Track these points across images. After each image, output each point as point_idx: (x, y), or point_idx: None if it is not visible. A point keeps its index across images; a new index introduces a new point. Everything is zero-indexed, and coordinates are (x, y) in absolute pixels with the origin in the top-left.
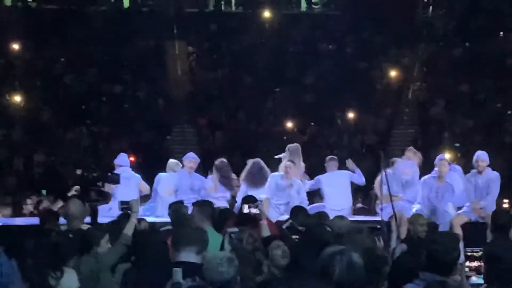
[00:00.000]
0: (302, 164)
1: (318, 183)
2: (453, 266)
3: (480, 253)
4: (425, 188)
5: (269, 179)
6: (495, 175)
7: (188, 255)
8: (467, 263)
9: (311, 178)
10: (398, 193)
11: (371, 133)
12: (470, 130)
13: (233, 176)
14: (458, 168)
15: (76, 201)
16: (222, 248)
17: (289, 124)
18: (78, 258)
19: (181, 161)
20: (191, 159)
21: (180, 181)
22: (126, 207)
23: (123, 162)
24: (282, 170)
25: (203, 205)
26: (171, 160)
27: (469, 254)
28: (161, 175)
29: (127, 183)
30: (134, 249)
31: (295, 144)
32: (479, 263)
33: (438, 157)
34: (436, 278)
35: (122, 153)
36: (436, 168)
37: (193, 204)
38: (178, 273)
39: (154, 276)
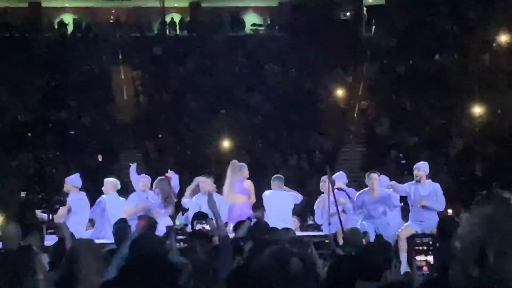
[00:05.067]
0: (248, 183)
1: (264, 199)
2: (383, 272)
3: (429, 246)
4: (358, 203)
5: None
6: (437, 186)
7: None
8: (418, 257)
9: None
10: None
11: (318, 153)
12: (415, 146)
13: (173, 192)
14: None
15: (11, 224)
16: None
17: (236, 145)
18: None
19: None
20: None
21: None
22: (54, 231)
23: (76, 182)
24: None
25: (148, 219)
26: (112, 179)
27: (420, 248)
28: (106, 197)
29: (79, 208)
30: None
31: (233, 161)
32: (429, 257)
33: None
34: (370, 285)
35: (76, 174)
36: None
37: (138, 217)
38: None
39: None
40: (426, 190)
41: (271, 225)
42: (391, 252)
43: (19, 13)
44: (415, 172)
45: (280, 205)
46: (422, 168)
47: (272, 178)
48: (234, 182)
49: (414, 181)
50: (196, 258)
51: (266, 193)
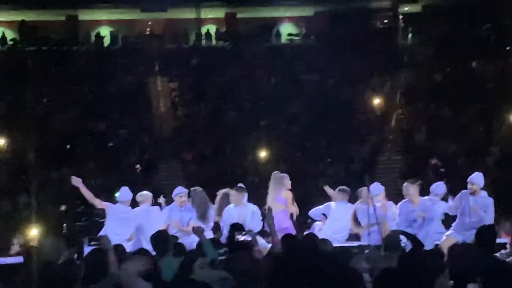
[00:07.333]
0: (285, 193)
1: (327, 209)
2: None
3: None
4: (402, 213)
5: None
6: (490, 201)
7: None
8: None
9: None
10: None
11: (356, 161)
12: (453, 154)
13: (210, 207)
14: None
15: (48, 239)
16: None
17: (274, 155)
18: None
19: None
20: (182, 193)
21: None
22: (97, 243)
23: (126, 196)
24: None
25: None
26: (146, 192)
27: None
28: (139, 210)
29: (122, 220)
30: None
31: (274, 172)
32: None
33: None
34: None
35: (123, 187)
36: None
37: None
38: None
39: None
40: (477, 203)
41: (332, 231)
42: (443, 260)
43: (56, 27)
44: (469, 186)
45: (346, 217)
46: (476, 182)
47: (337, 189)
48: (276, 192)
49: (467, 192)
50: (238, 269)
51: (332, 204)
